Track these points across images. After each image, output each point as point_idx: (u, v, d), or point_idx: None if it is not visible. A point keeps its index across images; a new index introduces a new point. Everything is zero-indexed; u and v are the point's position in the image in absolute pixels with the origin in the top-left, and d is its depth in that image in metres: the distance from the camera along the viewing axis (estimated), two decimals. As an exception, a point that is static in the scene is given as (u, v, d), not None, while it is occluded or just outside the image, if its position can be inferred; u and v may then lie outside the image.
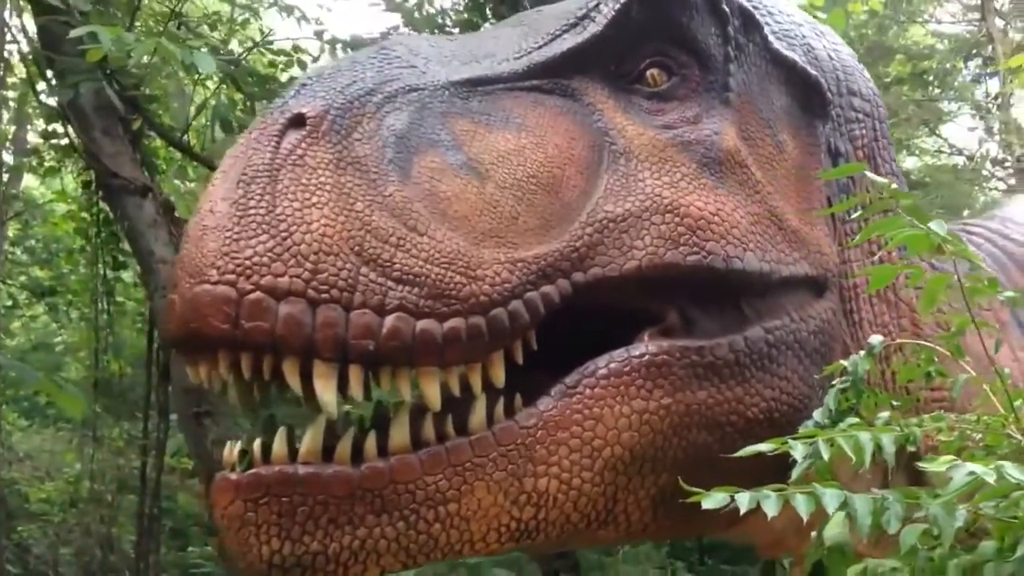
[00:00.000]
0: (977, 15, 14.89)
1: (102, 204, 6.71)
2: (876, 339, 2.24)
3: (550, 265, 2.02)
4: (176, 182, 7.32)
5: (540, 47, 2.25)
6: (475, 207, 1.97)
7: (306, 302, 1.79)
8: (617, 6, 2.27)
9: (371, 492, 1.87)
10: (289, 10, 5.45)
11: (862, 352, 2.20)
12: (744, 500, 1.72)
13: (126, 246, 6.91)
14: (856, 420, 2.07)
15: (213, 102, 5.34)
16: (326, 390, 1.83)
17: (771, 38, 2.53)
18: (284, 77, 5.42)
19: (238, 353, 1.81)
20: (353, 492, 1.86)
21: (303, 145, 1.88)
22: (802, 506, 1.71)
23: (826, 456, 1.82)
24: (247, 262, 1.79)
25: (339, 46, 5.80)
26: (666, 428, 2.14)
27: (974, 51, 14.40)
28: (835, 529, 2.00)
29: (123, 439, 8.56)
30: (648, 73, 2.34)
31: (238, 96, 5.27)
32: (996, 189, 13.56)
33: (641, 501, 2.18)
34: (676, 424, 2.15)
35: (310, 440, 1.89)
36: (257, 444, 1.91)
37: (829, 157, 2.63)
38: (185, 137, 5.60)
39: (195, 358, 1.91)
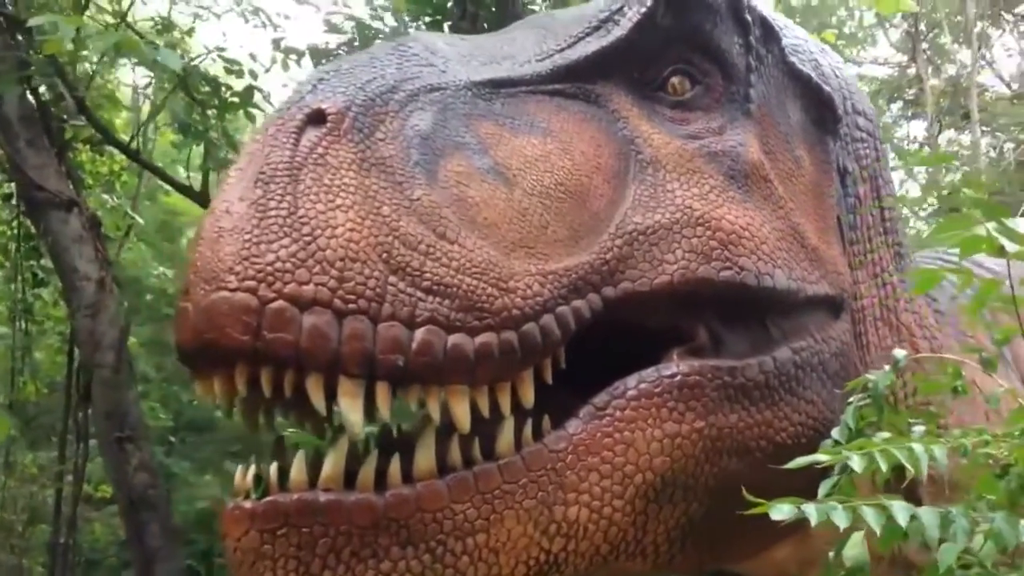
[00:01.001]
0: (906, 57, 15.46)
1: (24, 218, 6.46)
2: (900, 353, 2.20)
3: (580, 279, 1.92)
4: (105, 196, 7.06)
5: (563, 49, 2.16)
6: (504, 215, 1.86)
7: (332, 313, 1.65)
8: (643, 10, 2.19)
9: (396, 522, 1.74)
10: (255, 12, 5.29)
11: (886, 367, 2.17)
12: (812, 511, 1.64)
13: (47, 262, 6.67)
14: (889, 435, 2.02)
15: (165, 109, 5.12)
16: (353, 409, 1.69)
17: (787, 51, 2.49)
18: (238, 85, 5.23)
19: (258, 367, 1.67)
20: (377, 522, 1.73)
21: (324, 143, 1.76)
22: (872, 518, 1.65)
23: (884, 467, 1.76)
24: (269, 268, 1.65)
25: (294, 57, 5.69)
26: (698, 453, 2.04)
27: (896, 94, 14.98)
28: (855, 549, 1.94)
29: (36, 466, 8.18)
30: (671, 81, 2.26)
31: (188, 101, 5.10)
32: (915, 229, 14.07)
33: (671, 531, 2.08)
34: (708, 449, 2.06)
35: (332, 464, 1.75)
36: (273, 468, 1.77)
37: (838, 175, 2.58)
38: (135, 143, 5.35)
39: (208, 372, 1.75)
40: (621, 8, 2.21)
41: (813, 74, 2.53)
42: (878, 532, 1.63)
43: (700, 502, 2.07)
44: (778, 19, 2.56)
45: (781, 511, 1.65)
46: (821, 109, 2.55)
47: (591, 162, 2.03)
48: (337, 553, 1.69)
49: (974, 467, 2.00)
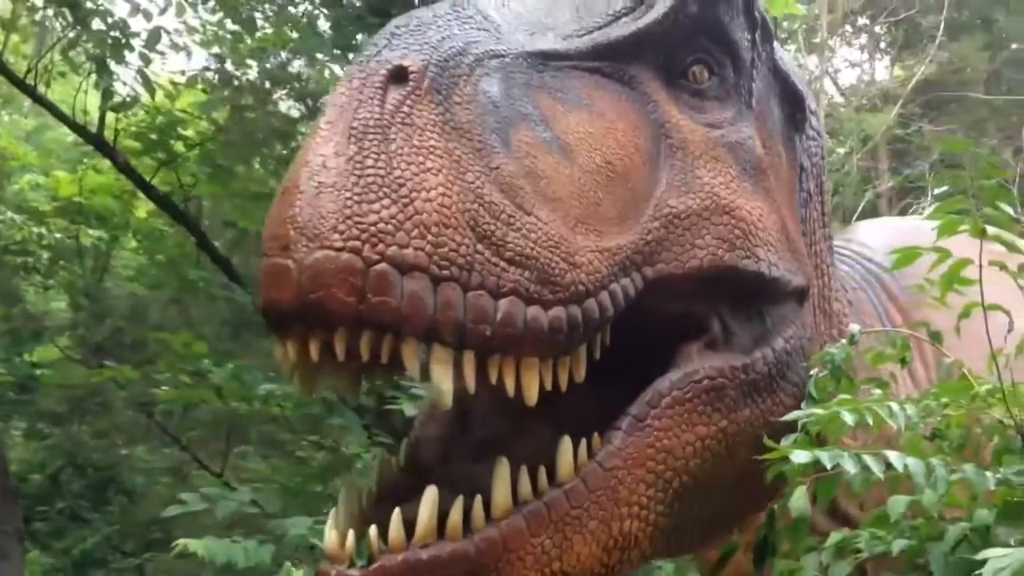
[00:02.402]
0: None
1: None
2: (855, 327, 2.43)
3: (627, 257, 1.96)
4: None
5: (601, 27, 2.16)
6: (568, 190, 1.88)
7: (428, 278, 1.65)
8: None
9: (488, 567, 1.79)
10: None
11: (843, 341, 2.39)
12: (826, 457, 1.83)
13: None
14: (848, 397, 2.24)
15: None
16: (445, 377, 1.70)
17: (775, 49, 2.57)
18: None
19: (359, 331, 1.64)
20: (474, 570, 1.77)
21: (408, 102, 1.74)
22: (874, 464, 1.84)
23: (870, 421, 1.97)
24: (372, 228, 1.63)
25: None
26: (723, 450, 2.15)
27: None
28: (799, 501, 2.16)
29: None
30: (692, 69, 2.30)
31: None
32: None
33: (700, 526, 2.20)
34: (730, 445, 2.16)
35: (427, 519, 1.76)
36: (374, 532, 1.77)
37: (799, 171, 2.71)
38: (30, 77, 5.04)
39: (302, 334, 1.70)
40: None
41: (791, 74, 2.64)
42: (881, 476, 1.84)
43: (722, 494, 2.19)
44: None
45: (799, 455, 1.84)
46: (793, 107, 2.65)
47: (631, 143, 2.06)
48: None
49: (911, 434, 2.24)
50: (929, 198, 12.24)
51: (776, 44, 2.60)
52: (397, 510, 1.77)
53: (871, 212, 13.03)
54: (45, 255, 9.35)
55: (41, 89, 5.24)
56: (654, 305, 2.07)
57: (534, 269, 1.76)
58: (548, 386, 1.87)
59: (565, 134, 1.92)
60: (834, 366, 2.31)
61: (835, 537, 2.10)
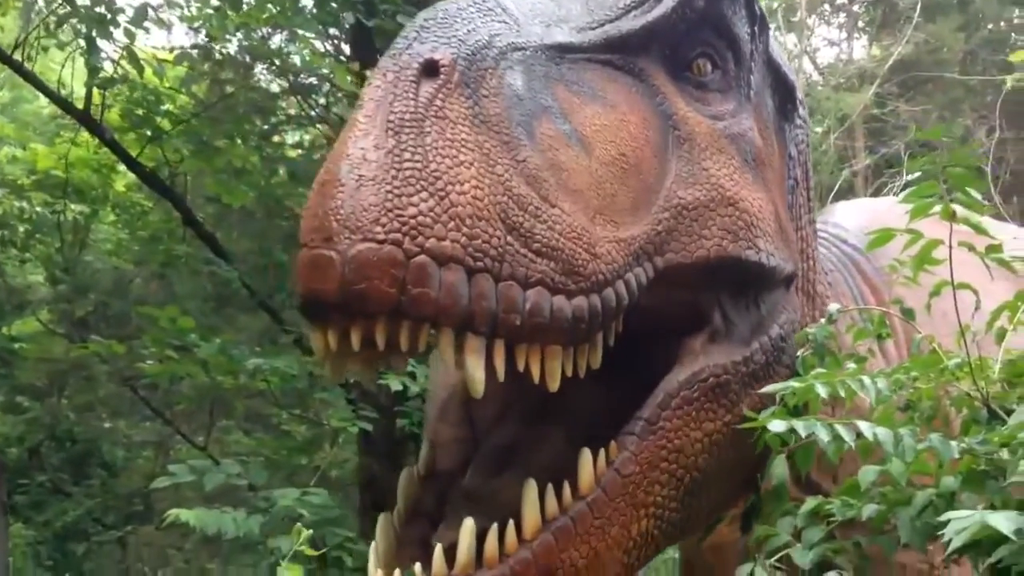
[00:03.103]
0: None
1: None
2: (834, 306, 2.55)
3: (640, 247, 2.01)
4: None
5: (613, 20, 2.20)
6: (587, 182, 1.93)
7: (464, 270, 1.70)
8: None
9: None
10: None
11: (822, 320, 2.50)
12: (800, 426, 1.94)
13: None
14: (825, 371, 2.35)
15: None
16: (478, 366, 1.76)
17: (771, 42, 2.62)
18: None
19: (398, 322, 1.70)
20: None
21: (440, 95, 1.78)
22: (845, 433, 1.96)
23: (843, 393, 2.08)
24: (412, 221, 1.67)
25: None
26: (726, 443, 2.23)
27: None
28: (779, 468, 2.28)
29: None
30: (697, 62, 2.34)
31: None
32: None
33: (704, 514, 2.31)
34: (732, 437, 2.23)
35: (467, 549, 1.84)
36: (418, 569, 1.85)
37: (788, 159, 2.76)
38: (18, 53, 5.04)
39: (346, 323, 1.74)
40: None
41: (783, 65, 2.70)
42: (852, 445, 1.95)
43: (723, 483, 2.29)
44: None
45: (776, 425, 1.95)
46: (784, 98, 2.71)
47: (642, 135, 2.10)
48: None
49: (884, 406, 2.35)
50: (904, 178, 12.42)
51: (770, 35, 2.65)
52: (439, 546, 1.85)
53: (847, 191, 13.20)
54: (21, 228, 9.31)
55: (27, 66, 5.25)
56: (661, 294, 2.13)
57: (559, 260, 1.81)
58: (568, 373, 1.93)
59: (582, 126, 1.98)
60: (817, 344, 2.42)
61: (810, 503, 2.21)
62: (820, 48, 19.57)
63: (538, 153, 1.85)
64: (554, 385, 1.90)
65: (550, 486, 1.94)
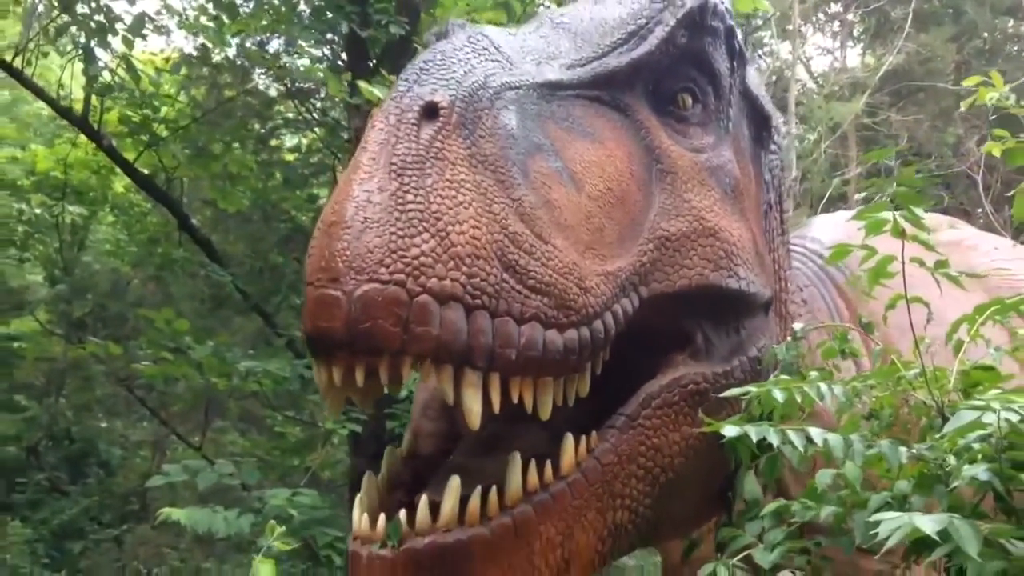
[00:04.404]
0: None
1: None
2: (798, 325, 2.64)
3: (627, 279, 2.08)
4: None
5: (600, 57, 2.26)
6: (577, 217, 1.99)
7: (463, 307, 1.76)
8: (667, 29, 2.33)
9: (503, 551, 1.92)
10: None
11: (789, 338, 2.60)
12: (753, 431, 2.05)
13: None
14: (788, 377, 2.45)
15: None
16: (475, 400, 1.82)
17: (748, 74, 2.66)
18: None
19: (402, 358, 1.76)
20: (491, 554, 1.90)
21: (440, 137, 1.84)
22: (796, 439, 2.06)
23: (799, 399, 2.18)
24: (415, 262, 1.74)
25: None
26: (702, 449, 2.28)
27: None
28: (751, 485, 2.38)
29: None
30: (680, 97, 2.40)
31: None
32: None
33: (676, 519, 2.37)
34: (708, 444, 2.27)
35: (451, 506, 1.89)
36: (403, 515, 1.90)
37: (763, 185, 2.81)
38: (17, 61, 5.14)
39: (351, 360, 1.81)
40: (647, 24, 2.34)
41: (759, 96, 2.75)
42: (801, 449, 2.06)
43: (696, 489, 2.35)
44: None
45: (730, 430, 2.06)
46: (760, 128, 2.77)
47: (628, 169, 2.17)
48: None
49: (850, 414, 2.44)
50: (892, 187, 12.45)
51: (748, 68, 2.73)
52: (424, 496, 1.90)
53: (837, 199, 13.30)
54: (20, 228, 9.40)
55: (27, 72, 5.35)
56: (646, 320, 2.18)
57: (552, 295, 1.88)
58: (559, 403, 2.01)
59: (572, 162, 2.05)
60: (786, 363, 2.52)
61: (772, 506, 2.30)
62: (814, 57, 19.74)
63: (532, 191, 1.92)
64: (545, 415, 1.97)
65: (533, 462, 1.99)
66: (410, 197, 1.78)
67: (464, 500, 1.91)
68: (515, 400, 1.91)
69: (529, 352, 1.84)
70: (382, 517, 1.91)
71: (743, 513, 2.39)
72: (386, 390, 1.94)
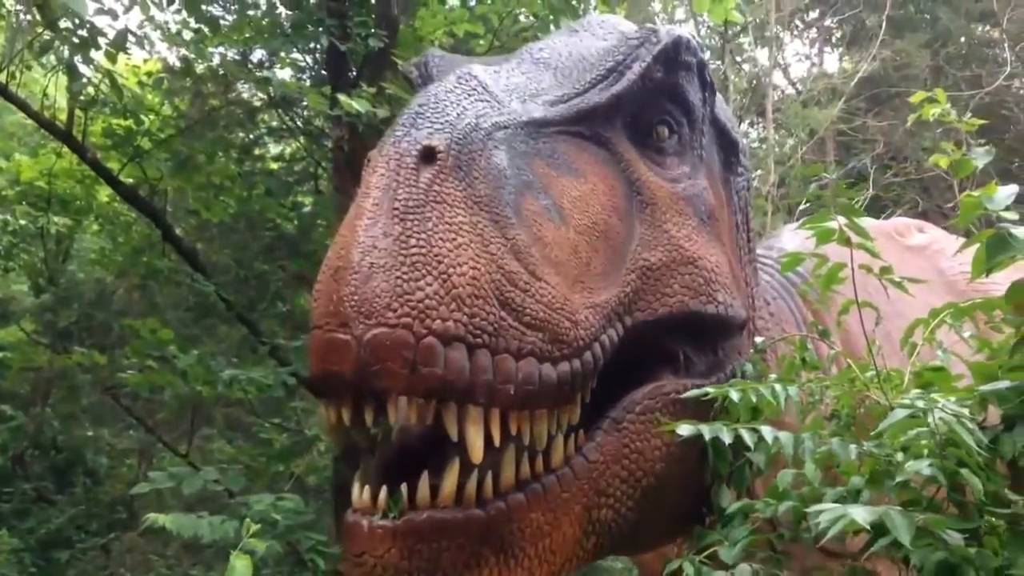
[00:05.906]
0: (710, 55, 16.53)
1: None
2: (759, 339, 2.77)
3: (613, 309, 2.17)
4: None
5: (581, 94, 2.35)
6: (566, 252, 2.08)
7: (465, 347, 1.84)
8: (644, 65, 2.43)
9: (495, 533, 2.00)
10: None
11: (751, 351, 2.73)
12: (706, 430, 2.17)
13: None
14: (744, 382, 2.57)
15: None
16: (478, 436, 1.92)
17: (716, 103, 2.78)
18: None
19: (411, 398, 1.85)
20: (483, 535, 1.98)
21: (438, 181, 1.92)
22: (747, 436, 2.18)
23: (755, 400, 2.31)
24: (420, 305, 1.81)
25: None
26: (681, 456, 2.38)
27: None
28: (726, 499, 2.50)
29: None
30: (657, 129, 2.50)
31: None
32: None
33: (655, 526, 2.44)
34: (687, 452, 2.39)
35: (449, 485, 1.97)
36: (404, 489, 1.96)
37: (732, 207, 2.91)
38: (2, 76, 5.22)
39: (358, 401, 1.90)
40: (624, 60, 2.44)
41: (727, 123, 2.88)
42: (751, 445, 2.18)
43: (680, 501, 2.45)
44: None
45: (685, 430, 2.18)
46: (729, 153, 2.90)
47: (610, 202, 2.27)
48: (454, 564, 1.95)
49: (815, 415, 2.55)
50: (869, 190, 12.70)
51: (717, 98, 2.84)
52: (425, 473, 1.97)
53: (815, 203, 13.44)
54: (5, 239, 9.43)
55: (12, 88, 5.43)
56: (629, 344, 2.29)
57: (546, 330, 1.98)
58: (552, 431, 2.11)
59: (559, 198, 2.14)
60: (753, 377, 2.63)
61: (736, 505, 2.43)
62: (792, 63, 19.93)
63: (524, 229, 2.00)
64: (542, 444, 2.08)
65: (525, 453, 2.08)
66: (413, 241, 1.85)
67: (460, 487, 2.00)
68: (513, 433, 2.00)
69: (527, 386, 1.93)
70: (383, 490, 1.97)
71: (715, 522, 2.51)
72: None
